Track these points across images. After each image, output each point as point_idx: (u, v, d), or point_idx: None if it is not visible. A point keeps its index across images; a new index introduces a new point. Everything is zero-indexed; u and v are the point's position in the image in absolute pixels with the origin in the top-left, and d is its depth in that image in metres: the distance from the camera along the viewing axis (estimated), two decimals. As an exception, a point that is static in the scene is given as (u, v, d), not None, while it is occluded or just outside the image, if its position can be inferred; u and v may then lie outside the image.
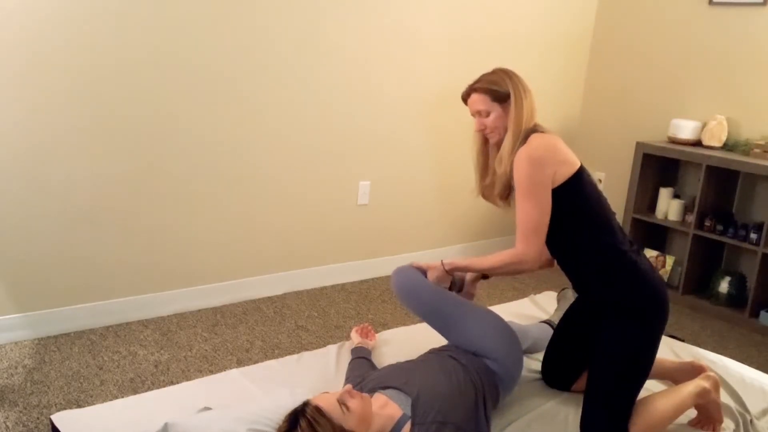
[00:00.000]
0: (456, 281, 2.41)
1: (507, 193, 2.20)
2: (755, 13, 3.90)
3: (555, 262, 2.33)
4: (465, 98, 2.23)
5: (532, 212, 2.05)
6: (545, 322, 2.76)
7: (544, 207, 2.05)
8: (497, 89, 2.14)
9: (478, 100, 2.17)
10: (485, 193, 2.30)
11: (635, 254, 2.11)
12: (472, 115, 2.22)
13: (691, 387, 2.16)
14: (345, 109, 3.67)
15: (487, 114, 2.16)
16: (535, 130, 2.12)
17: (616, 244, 2.09)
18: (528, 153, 2.04)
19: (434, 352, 2.20)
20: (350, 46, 3.60)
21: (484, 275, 2.45)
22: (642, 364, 2.07)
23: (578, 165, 2.10)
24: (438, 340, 2.44)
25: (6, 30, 2.64)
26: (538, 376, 2.43)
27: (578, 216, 2.10)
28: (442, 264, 2.29)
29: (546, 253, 2.31)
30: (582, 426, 2.06)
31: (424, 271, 2.33)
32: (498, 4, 4.15)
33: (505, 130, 2.14)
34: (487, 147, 2.27)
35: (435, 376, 1.97)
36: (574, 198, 2.08)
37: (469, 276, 2.45)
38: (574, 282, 2.25)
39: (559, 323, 2.40)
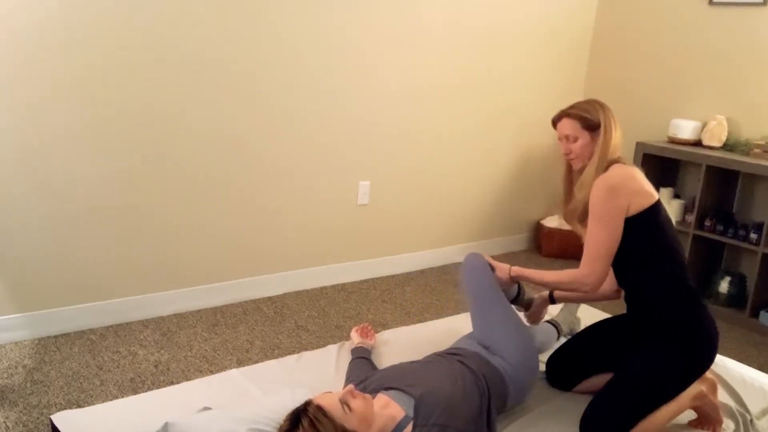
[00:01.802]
0: (525, 300, 2.50)
1: (585, 217, 2.23)
2: (755, 13, 3.90)
3: (622, 293, 2.38)
4: (555, 121, 2.29)
5: (601, 238, 2.09)
6: (548, 322, 2.76)
7: (614, 234, 2.09)
8: (589, 117, 2.20)
9: (568, 125, 2.23)
10: (567, 217, 2.35)
11: (698, 292, 2.16)
12: (560, 139, 2.28)
13: (688, 389, 2.16)
14: (345, 109, 3.67)
15: (575, 140, 2.22)
16: (617, 161, 2.18)
17: (685, 280, 2.14)
18: (605, 180, 2.10)
19: (442, 355, 2.20)
20: (350, 47, 3.60)
21: (551, 299, 2.52)
22: (668, 392, 2.11)
23: (656, 198, 2.14)
24: (437, 341, 2.44)
25: (6, 28, 2.64)
26: (541, 376, 2.43)
27: (651, 247, 2.13)
28: (509, 268, 2.36)
29: (613, 285, 2.39)
30: (587, 419, 2.07)
31: (492, 267, 2.39)
32: (499, 6, 4.15)
33: (589, 158, 2.20)
34: (571, 174, 2.33)
35: (440, 379, 1.96)
36: (648, 229, 2.12)
37: (538, 297, 2.53)
38: (632, 302, 2.28)
39: (588, 329, 2.45)
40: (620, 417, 2.05)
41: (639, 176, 2.15)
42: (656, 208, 2.12)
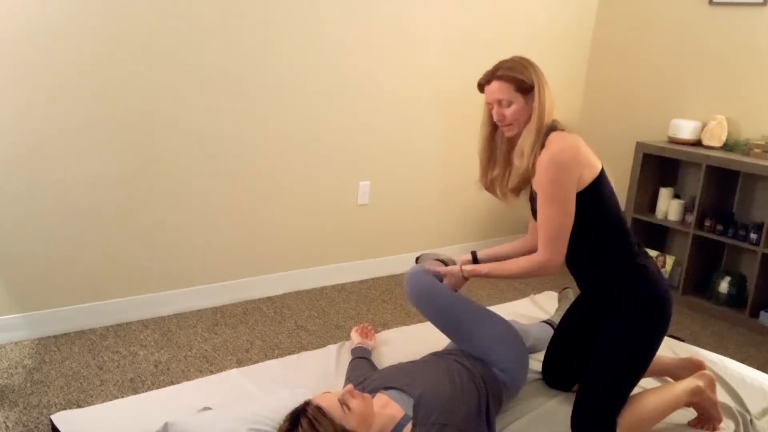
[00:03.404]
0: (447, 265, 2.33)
1: (522, 188, 2.12)
2: (755, 13, 3.90)
3: None
4: (483, 84, 2.11)
5: (556, 218, 1.99)
6: (546, 322, 2.76)
7: (569, 212, 1.99)
8: (522, 79, 2.05)
9: (500, 88, 2.06)
10: (490, 185, 2.22)
11: (644, 257, 2.11)
12: (489, 103, 2.11)
13: (684, 384, 2.16)
14: (345, 109, 3.67)
15: (509, 104, 2.06)
16: (555, 126, 2.06)
17: (629, 247, 2.09)
18: (553, 156, 1.97)
19: (438, 355, 2.19)
20: (350, 46, 3.60)
21: (474, 262, 2.38)
22: (641, 362, 2.07)
23: (600, 167, 2.05)
24: (438, 341, 2.44)
25: (4, 28, 2.64)
26: (538, 376, 2.42)
27: (598, 219, 2.06)
28: (462, 271, 2.21)
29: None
30: (573, 416, 2.06)
31: (440, 276, 2.24)
32: (499, 5, 4.15)
33: (524, 124, 2.06)
34: (494, 137, 2.18)
35: (438, 378, 1.96)
36: (596, 201, 2.04)
37: (460, 260, 2.37)
38: (581, 281, 2.23)
39: (559, 325, 2.39)
40: (603, 408, 2.02)
41: (583, 146, 2.02)
42: (601, 177, 2.03)
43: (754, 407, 2.36)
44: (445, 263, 2.34)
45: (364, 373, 2.21)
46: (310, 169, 3.62)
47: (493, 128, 2.17)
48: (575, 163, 1.98)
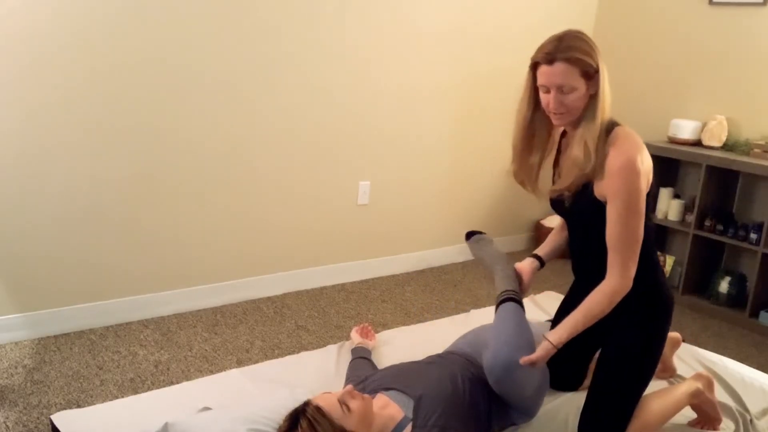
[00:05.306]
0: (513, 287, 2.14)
1: (576, 187, 1.86)
2: (755, 13, 3.90)
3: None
4: (541, 63, 1.79)
5: (636, 232, 1.76)
6: (550, 321, 2.75)
7: (643, 224, 1.79)
8: (590, 63, 1.75)
9: (565, 72, 1.74)
10: (524, 175, 2.00)
11: (657, 258, 2.05)
12: (545, 86, 1.80)
13: (684, 387, 2.16)
14: (345, 109, 3.67)
15: (571, 90, 1.76)
16: (614, 120, 1.85)
17: (654, 255, 2.01)
18: (634, 162, 1.73)
19: (444, 356, 2.18)
20: (350, 46, 3.60)
21: (541, 264, 2.23)
22: (653, 365, 2.06)
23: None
24: (437, 341, 2.44)
25: (6, 31, 2.64)
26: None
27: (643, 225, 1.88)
28: (554, 347, 1.87)
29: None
30: (582, 422, 2.05)
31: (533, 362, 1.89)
32: (500, 4, 4.15)
33: (577, 113, 1.81)
34: (534, 122, 1.93)
35: (440, 380, 1.94)
36: (648, 206, 1.86)
37: (526, 270, 2.19)
38: (590, 283, 1.98)
39: (554, 323, 2.34)
40: (617, 414, 2.02)
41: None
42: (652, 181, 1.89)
43: (754, 407, 2.36)
44: (513, 293, 2.09)
45: (365, 373, 2.20)
46: (310, 169, 3.62)
47: (534, 111, 1.92)
48: (647, 165, 1.77)
